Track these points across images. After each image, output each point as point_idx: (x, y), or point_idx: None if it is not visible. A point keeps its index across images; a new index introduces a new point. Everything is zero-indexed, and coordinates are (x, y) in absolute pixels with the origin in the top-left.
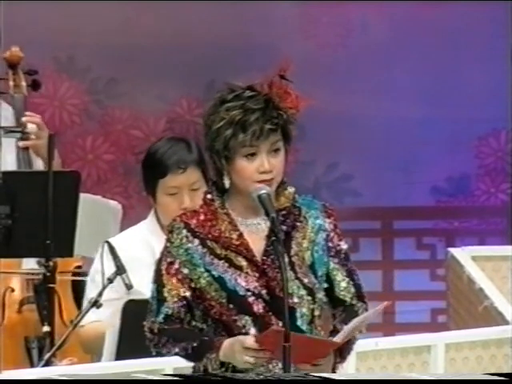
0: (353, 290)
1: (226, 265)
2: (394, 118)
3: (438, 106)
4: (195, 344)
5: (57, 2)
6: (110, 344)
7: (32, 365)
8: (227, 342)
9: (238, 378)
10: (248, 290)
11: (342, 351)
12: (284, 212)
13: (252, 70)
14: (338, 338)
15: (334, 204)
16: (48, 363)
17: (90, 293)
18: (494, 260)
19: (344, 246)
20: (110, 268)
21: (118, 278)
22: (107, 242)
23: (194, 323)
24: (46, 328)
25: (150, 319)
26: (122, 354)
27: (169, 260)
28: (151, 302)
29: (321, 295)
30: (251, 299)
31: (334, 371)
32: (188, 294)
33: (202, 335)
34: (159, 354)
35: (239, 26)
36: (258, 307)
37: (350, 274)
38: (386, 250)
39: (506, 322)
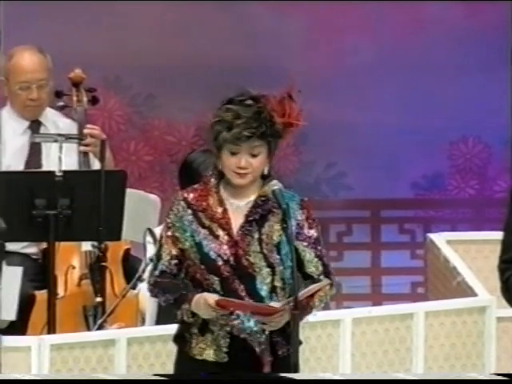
0: (321, 268)
1: (207, 233)
2: (381, 126)
3: (417, 116)
4: (176, 296)
5: (106, 33)
6: (151, 312)
7: (88, 328)
8: (196, 297)
9: (241, 378)
10: (219, 256)
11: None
12: (264, 198)
13: (263, 85)
14: (277, 304)
15: (331, 196)
16: (100, 327)
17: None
18: (465, 243)
19: (314, 233)
20: (151, 250)
21: None
22: (149, 228)
23: (186, 279)
24: (98, 299)
25: (151, 273)
26: (161, 320)
27: (168, 225)
28: (154, 258)
29: (281, 269)
30: (220, 263)
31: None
32: (178, 253)
33: (182, 289)
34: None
35: (253, 50)
36: (225, 270)
37: (320, 256)
38: (374, 234)
39: (475, 294)
